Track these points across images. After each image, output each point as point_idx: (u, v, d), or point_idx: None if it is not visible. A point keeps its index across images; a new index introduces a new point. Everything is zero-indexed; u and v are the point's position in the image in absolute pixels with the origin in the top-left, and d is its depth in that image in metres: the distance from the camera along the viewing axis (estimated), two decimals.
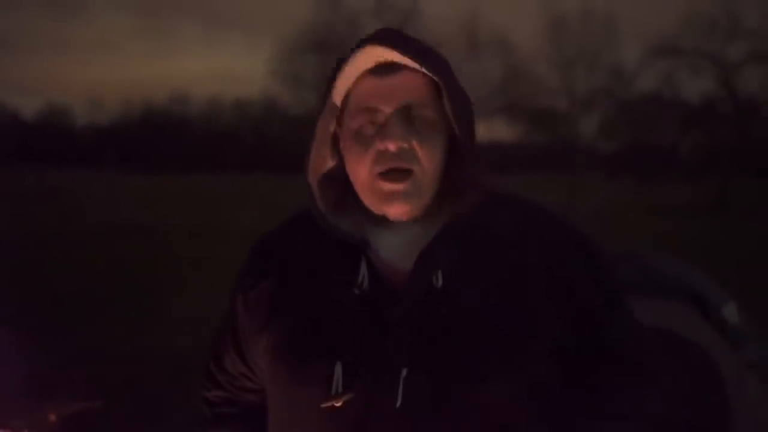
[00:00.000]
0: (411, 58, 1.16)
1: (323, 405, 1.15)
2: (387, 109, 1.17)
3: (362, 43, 1.17)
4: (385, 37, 1.17)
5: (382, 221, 1.22)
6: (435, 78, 1.17)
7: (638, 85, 39.78)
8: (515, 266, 1.20)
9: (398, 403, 1.13)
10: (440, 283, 1.17)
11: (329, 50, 31.44)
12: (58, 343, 6.16)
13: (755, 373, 2.74)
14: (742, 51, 30.75)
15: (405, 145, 1.15)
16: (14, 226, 15.59)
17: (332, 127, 1.23)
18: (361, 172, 1.19)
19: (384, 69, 1.18)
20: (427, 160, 1.17)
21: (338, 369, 1.15)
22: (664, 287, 2.74)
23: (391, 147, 1.15)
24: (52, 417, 1.89)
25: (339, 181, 1.24)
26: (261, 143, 52.87)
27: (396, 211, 1.19)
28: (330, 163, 1.25)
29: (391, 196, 1.17)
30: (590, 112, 33.16)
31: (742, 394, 2.68)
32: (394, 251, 1.20)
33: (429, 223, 1.21)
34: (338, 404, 1.14)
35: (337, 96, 1.22)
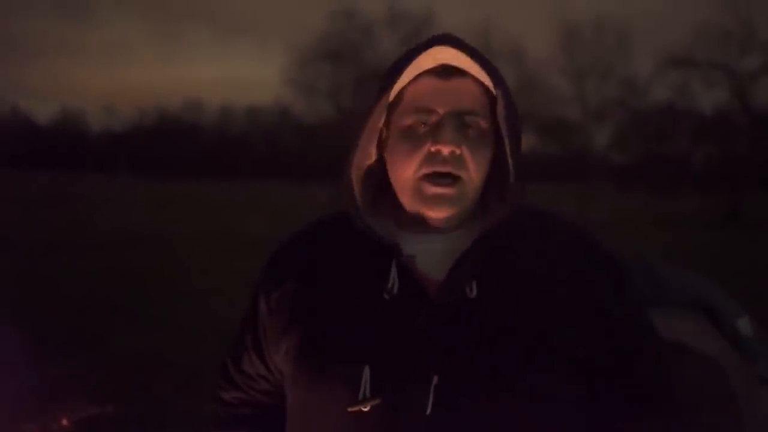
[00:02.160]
0: (477, 63, 1.16)
1: (350, 409, 1.13)
2: (443, 111, 1.16)
3: (429, 43, 1.17)
4: (453, 40, 1.16)
5: (415, 227, 1.21)
6: (494, 88, 1.18)
7: (651, 96, 39.75)
8: (546, 280, 1.19)
9: (428, 410, 1.12)
10: (474, 293, 1.16)
11: (342, 59, 31.52)
12: (69, 349, 6.18)
13: None
14: (755, 62, 30.68)
15: (457, 151, 1.14)
16: (26, 231, 15.67)
17: (381, 123, 1.21)
18: (407, 171, 1.17)
19: (445, 71, 1.17)
20: (475, 169, 1.16)
21: (366, 373, 1.14)
22: (676, 299, 2.73)
23: (445, 151, 1.14)
24: (64, 421, 1.90)
25: (375, 182, 1.23)
26: (273, 151, 53.03)
27: (438, 215, 1.18)
28: (372, 159, 1.23)
29: (436, 199, 1.16)
30: (603, 123, 33.17)
31: (755, 408, 2.66)
32: (426, 258, 1.19)
33: (462, 232, 1.20)
34: (366, 409, 1.13)
35: (393, 92, 1.19)
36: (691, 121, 32.57)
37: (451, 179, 1.15)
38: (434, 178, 1.15)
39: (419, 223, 1.21)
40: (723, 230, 21.57)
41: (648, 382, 1.24)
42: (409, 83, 1.19)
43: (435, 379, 1.12)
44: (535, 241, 1.23)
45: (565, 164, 36.04)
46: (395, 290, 1.17)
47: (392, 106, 1.20)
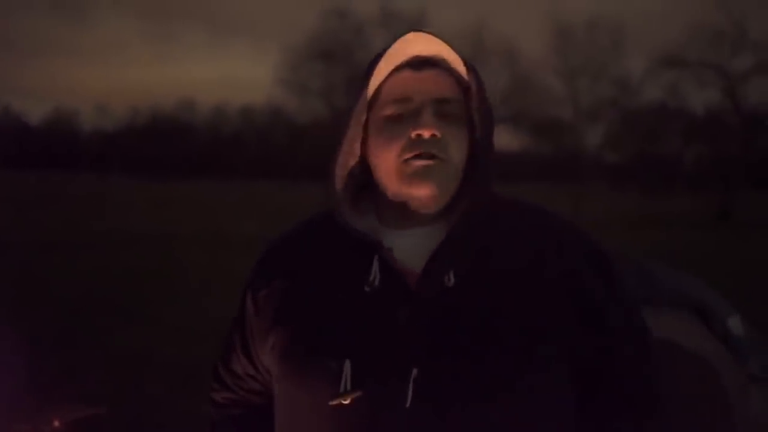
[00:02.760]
0: (448, 54, 1.19)
1: (331, 402, 1.15)
2: (420, 98, 1.19)
3: (401, 39, 1.20)
4: (423, 35, 1.20)
5: (396, 222, 1.23)
6: (468, 78, 1.21)
7: (643, 96, 39.79)
8: (529, 270, 1.20)
9: (408, 403, 1.13)
10: (452, 282, 1.17)
11: (335, 59, 31.52)
12: (63, 349, 6.17)
13: (759, 385, 2.74)
14: (747, 63, 30.79)
15: (438, 134, 1.17)
16: (20, 231, 15.62)
17: (363, 118, 1.24)
18: (389, 156, 1.19)
19: (419, 63, 1.21)
20: (456, 151, 1.19)
21: (347, 367, 1.15)
22: (668, 299, 2.74)
23: (425, 134, 1.17)
24: (56, 422, 1.90)
25: (357, 181, 1.25)
26: (266, 151, 52.93)
27: (422, 192, 1.19)
28: (357, 157, 1.25)
29: (420, 172, 1.18)
30: (595, 123, 33.21)
31: (746, 406, 2.67)
32: (407, 251, 1.21)
33: (442, 224, 1.21)
34: (346, 402, 1.14)
35: (371, 89, 1.23)
36: (683, 120, 32.68)
37: (432, 158, 1.18)
38: (417, 158, 1.18)
39: (400, 217, 1.23)
40: (714, 230, 21.64)
41: (639, 382, 1.25)
42: (386, 79, 1.22)
43: (414, 372, 1.13)
44: (519, 233, 1.24)
45: (558, 164, 36.10)
46: (376, 283, 1.19)
47: (371, 104, 1.23)
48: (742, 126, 31.00)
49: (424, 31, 1.21)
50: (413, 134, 1.17)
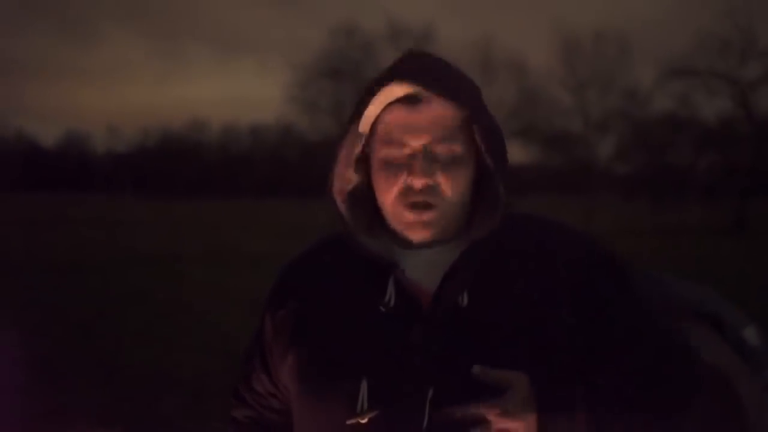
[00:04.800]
0: (439, 94, 1.17)
1: (349, 422, 1.15)
2: (415, 144, 1.18)
3: (390, 77, 1.19)
4: (413, 72, 1.18)
5: (410, 244, 1.23)
6: (465, 109, 1.20)
7: (653, 107, 39.62)
8: (542, 285, 1.19)
9: (425, 424, 1.13)
10: (465, 302, 1.18)
11: (344, 77, 31.69)
12: (76, 369, 6.18)
13: None
14: (757, 70, 30.68)
15: (430, 182, 1.18)
16: (32, 253, 15.71)
17: (357, 150, 1.24)
18: (387, 200, 1.21)
19: (413, 99, 1.19)
20: (452, 194, 1.19)
21: (363, 386, 1.16)
22: (682, 309, 2.73)
23: (417, 184, 1.17)
24: None
25: (368, 203, 1.26)
26: (276, 169, 53.13)
27: (419, 237, 1.21)
28: (354, 183, 1.26)
29: (415, 225, 1.19)
30: (606, 134, 33.15)
31: (762, 416, 2.65)
32: (422, 272, 1.21)
33: (456, 245, 1.21)
34: (363, 421, 1.14)
35: (365, 122, 1.23)
36: (694, 130, 32.53)
37: (427, 206, 1.18)
38: (412, 207, 1.19)
39: (410, 240, 1.23)
40: (728, 239, 21.51)
41: (674, 380, 1.23)
42: (382, 112, 1.22)
43: (430, 393, 1.14)
44: (531, 248, 1.23)
45: (569, 176, 36.05)
46: (392, 303, 1.20)
47: (370, 135, 1.24)
48: (755, 134, 30.86)
49: (413, 59, 1.21)
50: (407, 182, 1.18)
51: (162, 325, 8.41)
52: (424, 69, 1.19)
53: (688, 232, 22.86)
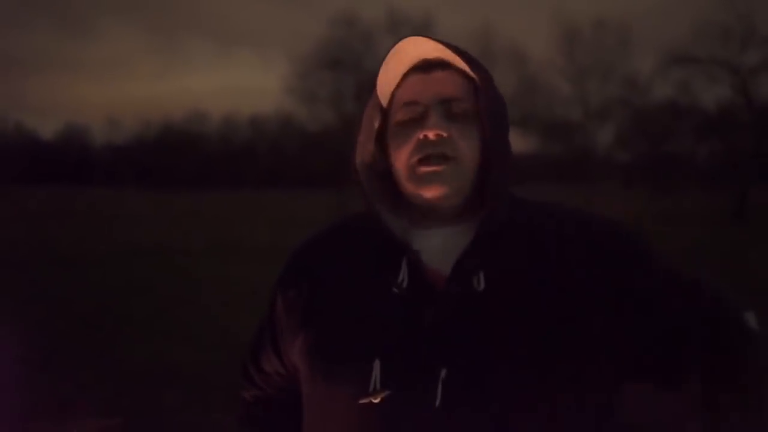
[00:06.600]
0: (455, 52, 1.21)
1: (361, 401, 1.16)
2: (427, 101, 1.22)
3: (405, 48, 1.22)
4: (427, 42, 1.22)
5: (423, 222, 1.25)
6: (475, 76, 1.22)
7: (654, 94, 39.61)
8: (559, 268, 1.20)
9: (437, 403, 1.13)
10: (482, 284, 1.18)
11: (344, 67, 31.57)
12: (79, 362, 6.20)
13: None
14: (757, 58, 30.58)
15: (444, 134, 1.19)
16: (33, 246, 15.72)
17: (377, 123, 1.27)
18: (402, 160, 1.22)
19: (427, 66, 1.24)
20: (465, 148, 1.21)
21: (377, 366, 1.16)
22: None
23: (430, 135, 1.19)
24: None
25: (387, 181, 1.27)
26: (277, 159, 53.06)
27: (433, 193, 1.20)
28: (375, 157, 1.28)
29: (429, 177, 1.20)
30: (606, 123, 33.12)
31: (763, 403, 2.65)
32: (436, 253, 1.22)
33: (468, 226, 1.22)
34: (376, 400, 1.15)
35: (382, 94, 1.27)
36: (694, 118, 32.47)
37: (442, 158, 1.20)
38: (426, 160, 1.20)
39: (423, 218, 1.24)
40: (728, 226, 21.51)
41: (696, 324, 1.22)
42: (398, 84, 1.26)
43: (443, 373, 1.14)
44: (546, 229, 1.24)
45: (570, 165, 36.03)
46: (405, 284, 1.20)
47: (388, 110, 1.27)
48: (755, 122, 30.79)
49: (425, 36, 1.22)
50: (420, 136, 1.20)
51: (163, 318, 8.43)
52: (437, 40, 1.22)
53: (689, 219, 22.84)
